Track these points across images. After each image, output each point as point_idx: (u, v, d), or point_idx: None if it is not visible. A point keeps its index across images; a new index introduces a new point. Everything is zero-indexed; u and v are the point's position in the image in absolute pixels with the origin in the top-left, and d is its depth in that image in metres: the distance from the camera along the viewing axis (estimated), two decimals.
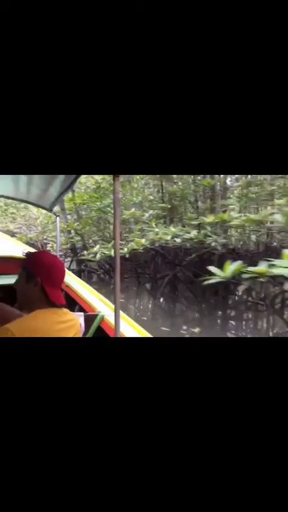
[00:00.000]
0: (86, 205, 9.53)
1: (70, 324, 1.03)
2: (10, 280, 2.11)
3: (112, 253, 6.31)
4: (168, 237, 5.36)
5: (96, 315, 2.05)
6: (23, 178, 1.82)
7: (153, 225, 6.25)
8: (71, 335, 1.03)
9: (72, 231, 9.87)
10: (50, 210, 2.68)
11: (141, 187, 9.81)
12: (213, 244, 5.30)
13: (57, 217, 2.95)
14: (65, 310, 1.06)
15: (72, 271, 9.94)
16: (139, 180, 9.42)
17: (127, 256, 6.08)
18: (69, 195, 10.46)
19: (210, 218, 4.85)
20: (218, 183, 7.25)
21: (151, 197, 9.43)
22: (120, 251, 6.18)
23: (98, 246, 7.10)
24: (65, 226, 9.64)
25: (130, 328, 1.81)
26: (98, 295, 2.48)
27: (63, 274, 1.07)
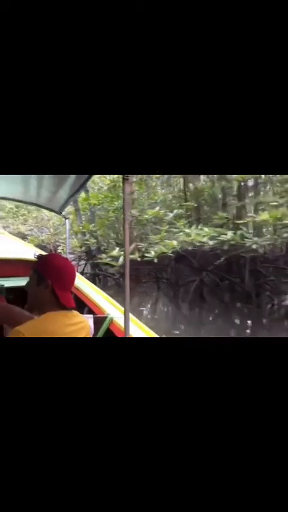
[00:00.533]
0: (101, 206, 8.95)
1: (80, 326, 1.03)
2: (20, 282, 2.12)
3: (136, 257, 5.67)
4: (204, 239, 4.67)
5: (105, 317, 2.03)
6: (33, 181, 1.82)
7: (181, 226, 5.57)
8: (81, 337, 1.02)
9: (87, 233, 9.30)
10: (59, 212, 2.62)
11: (161, 185, 9.16)
12: (254, 246, 4.59)
13: (67, 220, 2.93)
14: (75, 312, 1.06)
15: (85, 275, 9.48)
16: (157, 178, 8.80)
17: (155, 260, 5.43)
18: (83, 195, 10.05)
19: (264, 216, 4.09)
20: (252, 179, 6.54)
21: (170, 196, 8.76)
22: (147, 254, 5.55)
23: (117, 249, 6.48)
24: (80, 227, 9.05)
25: (139, 331, 1.78)
26: (107, 297, 2.46)
27: (73, 277, 1.06)
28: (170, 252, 5.05)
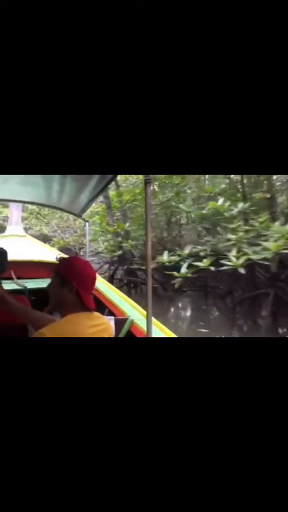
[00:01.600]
0: (133, 203, 7.57)
1: (102, 328, 1.03)
2: (42, 284, 2.34)
3: (206, 265, 4.18)
4: None
5: (126, 319, 2.03)
6: (55, 185, 1.88)
7: (262, 222, 4.02)
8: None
9: (118, 234, 7.95)
10: (79, 216, 2.63)
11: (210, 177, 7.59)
12: None
13: (87, 223, 2.95)
14: (97, 314, 1.06)
15: (112, 282, 8.25)
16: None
17: (242, 271, 3.92)
18: (114, 191, 8.82)
19: None
20: None
21: (223, 185, 7.16)
22: (226, 262, 4.05)
23: (167, 254, 5.02)
24: (114, 227, 7.68)
25: (161, 333, 1.78)
26: (128, 299, 2.45)
27: (94, 279, 1.07)
28: (271, 255, 3.51)
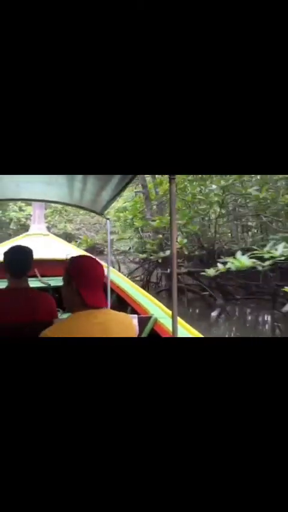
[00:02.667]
0: (183, 192, 6.15)
1: (108, 325, 0.96)
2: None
3: None
4: None
5: (149, 317, 2.01)
6: (77, 184, 1.91)
7: None
8: (113, 335, 0.96)
9: (157, 233, 6.54)
10: (101, 214, 2.57)
11: None
12: None
13: (108, 221, 2.85)
14: (105, 310, 1.01)
15: (148, 287, 7.24)
16: None
17: None
18: (149, 180, 7.51)
19: None
20: None
21: None
22: None
23: (240, 255, 3.54)
24: (154, 221, 6.25)
25: (186, 332, 1.77)
26: (151, 298, 2.42)
27: (98, 276, 1.02)
28: None
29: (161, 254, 5.73)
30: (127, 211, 8.32)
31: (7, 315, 1.39)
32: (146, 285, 7.56)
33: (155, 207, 7.55)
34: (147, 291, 6.42)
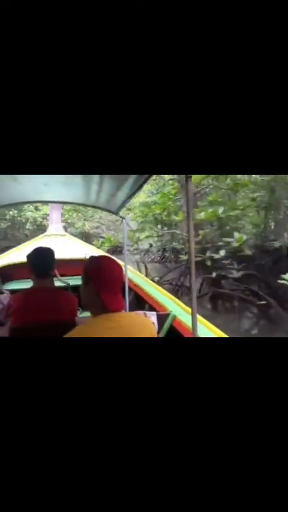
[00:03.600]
0: (214, 182, 4.84)
1: (127, 330, 0.93)
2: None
3: None
4: None
5: (168, 314, 2.01)
6: (94, 185, 1.93)
7: None
8: (127, 336, 0.94)
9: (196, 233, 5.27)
10: (116, 213, 2.63)
11: None
12: None
13: (124, 220, 2.89)
14: (126, 313, 1.01)
15: (178, 291, 6.24)
16: None
17: None
18: None
19: None
20: None
21: None
22: None
23: None
24: (209, 213, 4.97)
25: (205, 329, 1.75)
26: (169, 295, 2.43)
27: (117, 277, 0.99)
28: None
29: (210, 255, 4.44)
30: (154, 206, 7.15)
31: (33, 314, 1.40)
32: (178, 290, 6.37)
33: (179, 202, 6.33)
34: (180, 297, 5.35)
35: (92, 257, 1.04)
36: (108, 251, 6.17)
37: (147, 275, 6.93)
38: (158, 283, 6.13)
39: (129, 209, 7.72)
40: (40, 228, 15.16)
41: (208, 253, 4.57)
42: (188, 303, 1.90)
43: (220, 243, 4.84)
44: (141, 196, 8.20)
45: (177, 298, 2.50)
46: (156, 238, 8.32)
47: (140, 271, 7.42)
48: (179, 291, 6.37)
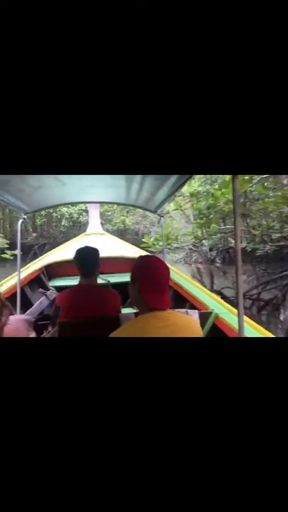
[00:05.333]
0: None
1: (176, 327, 0.94)
2: (122, 278, 2.74)
3: None
4: None
5: (210, 313, 1.95)
6: (135, 185, 1.95)
7: None
8: (178, 335, 0.93)
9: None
10: (155, 212, 2.66)
11: None
12: None
13: (162, 218, 2.88)
14: (171, 312, 0.99)
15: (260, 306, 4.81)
16: None
17: None
18: None
19: None
20: None
21: None
22: None
23: None
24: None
25: (253, 330, 1.65)
26: (209, 293, 2.42)
27: (162, 278, 0.98)
28: None
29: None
30: (221, 195, 5.85)
31: (81, 310, 1.46)
32: (254, 305, 4.86)
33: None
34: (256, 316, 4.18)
35: (139, 257, 1.07)
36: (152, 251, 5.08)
37: (212, 284, 5.54)
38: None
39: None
40: (76, 225, 14.41)
41: None
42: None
43: None
44: (193, 185, 6.99)
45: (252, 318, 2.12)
46: (218, 235, 6.97)
47: (200, 277, 6.17)
48: (254, 305, 4.88)
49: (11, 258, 7.30)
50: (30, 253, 10.94)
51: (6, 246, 7.48)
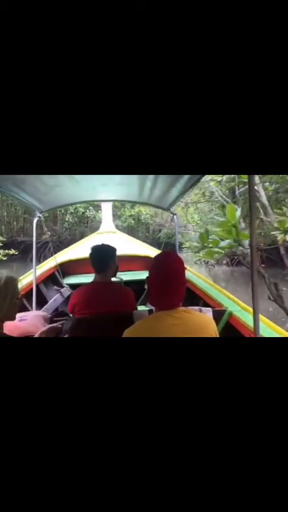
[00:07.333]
0: None
1: (189, 325, 0.93)
2: (135, 276, 2.98)
3: None
4: None
5: (224, 311, 1.95)
6: (148, 183, 1.96)
7: None
8: (193, 334, 0.92)
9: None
10: (167, 209, 2.72)
11: None
12: None
13: (175, 216, 2.95)
14: (185, 310, 0.97)
15: None
16: None
17: None
18: None
19: None
20: None
21: None
22: None
23: None
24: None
25: (269, 329, 1.62)
26: (223, 290, 2.37)
27: (170, 277, 0.95)
28: None
29: None
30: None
31: (96, 306, 1.51)
32: None
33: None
34: None
35: (156, 255, 1.06)
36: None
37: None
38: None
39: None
40: (82, 221, 13.23)
41: None
42: None
43: None
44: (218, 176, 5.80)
45: None
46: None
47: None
48: None
49: (4, 258, 6.50)
50: (30, 253, 9.84)
51: (0, 244, 6.56)
